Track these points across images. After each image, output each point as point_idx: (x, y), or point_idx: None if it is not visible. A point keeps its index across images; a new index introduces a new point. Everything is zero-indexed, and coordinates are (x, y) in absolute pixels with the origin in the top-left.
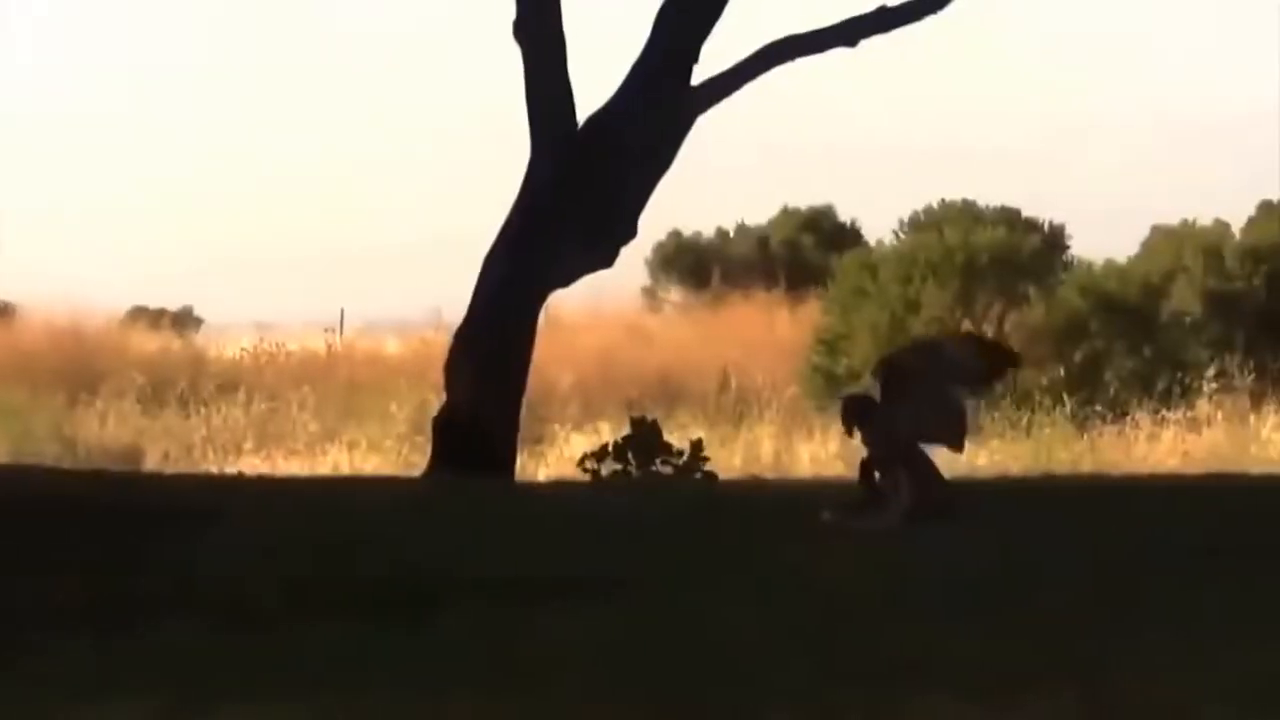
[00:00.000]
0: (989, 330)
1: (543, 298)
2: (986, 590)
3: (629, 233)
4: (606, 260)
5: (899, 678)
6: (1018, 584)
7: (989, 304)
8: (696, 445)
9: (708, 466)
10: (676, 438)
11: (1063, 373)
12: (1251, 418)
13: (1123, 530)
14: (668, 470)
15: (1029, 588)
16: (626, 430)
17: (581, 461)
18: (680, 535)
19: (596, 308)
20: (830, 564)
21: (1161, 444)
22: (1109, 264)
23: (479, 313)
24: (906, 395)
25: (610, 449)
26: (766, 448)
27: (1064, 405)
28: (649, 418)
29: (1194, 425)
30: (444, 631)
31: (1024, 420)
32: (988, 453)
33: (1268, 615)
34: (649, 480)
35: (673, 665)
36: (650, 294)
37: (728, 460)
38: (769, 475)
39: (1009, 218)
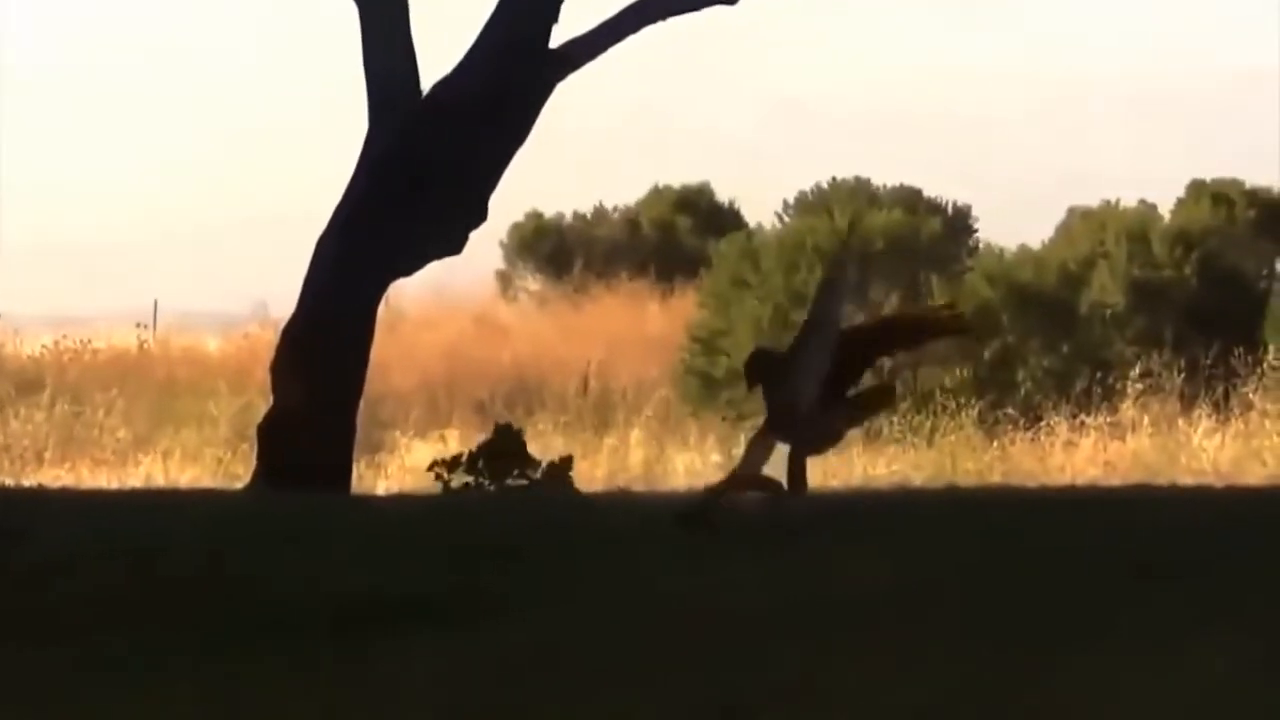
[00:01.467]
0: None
1: (383, 288)
2: (883, 611)
3: (480, 214)
4: (454, 246)
5: (784, 706)
6: (915, 605)
7: (885, 295)
8: (565, 461)
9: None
10: (534, 446)
11: (970, 372)
12: (1180, 422)
13: (1035, 547)
14: (523, 484)
15: (927, 609)
16: (481, 438)
17: (432, 466)
18: (540, 553)
19: (443, 299)
20: (707, 582)
21: (1081, 451)
22: (1022, 250)
23: (310, 305)
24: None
25: (465, 459)
26: (635, 456)
27: (971, 408)
28: (513, 426)
29: (1117, 431)
30: (272, 664)
31: (926, 425)
32: (885, 461)
33: (1192, 641)
34: (505, 494)
35: (535, 695)
36: (505, 283)
37: (590, 471)
38: (639, 488)
39: (907, 198)
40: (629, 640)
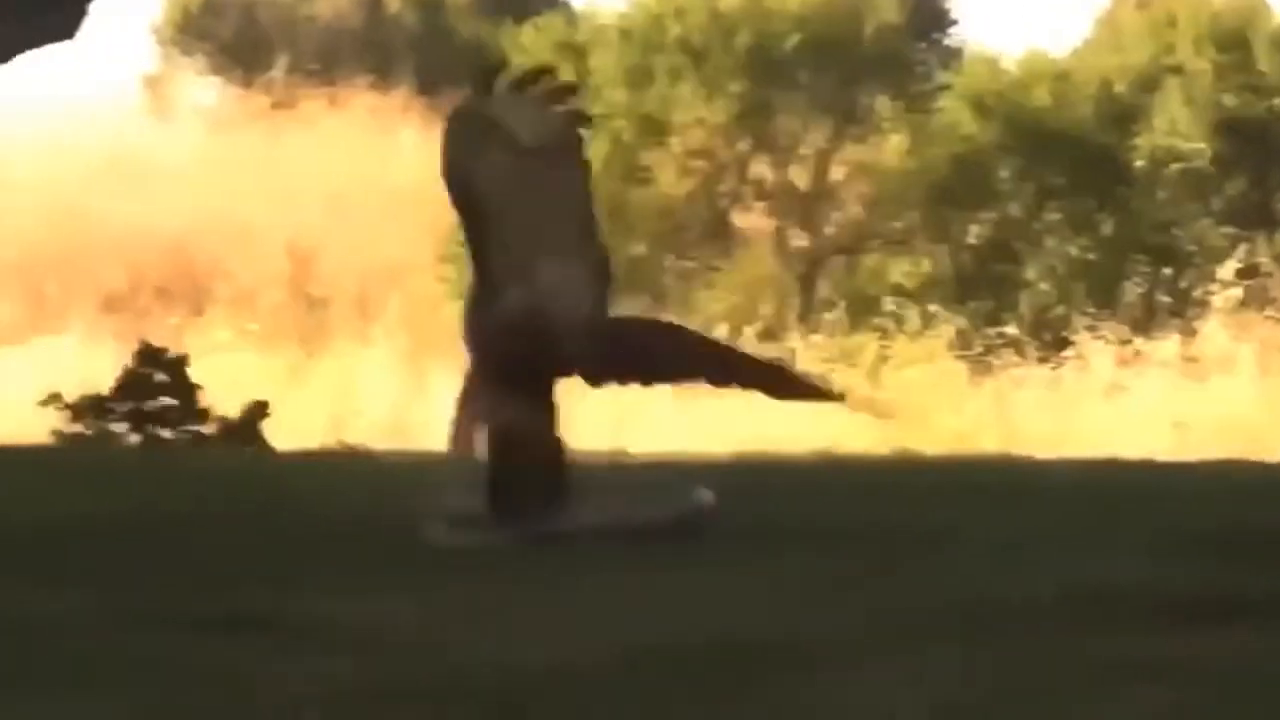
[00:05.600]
0: (803, 184)
1: None
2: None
3: None
4: (64, 26)
5: None
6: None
7: (802, 132)
8: (257, 407)
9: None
10: (204, 373)
11: (944, 262)
12: None
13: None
14: (186, 434)
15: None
16: (118, 358)
17: (47, 402)
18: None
19: (53, 124)
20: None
21: (1132, 401)
22: (1033, 59)
23: None
24: None
25: (107, 394)
26: (377, 392)
27: (945, 324)
28: (165, 350)
29: (1196, 369)
30: None
31: (867, 351)
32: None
33: None
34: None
35: None
36: (156, 94)
37: (297, 417)
38: (378, 443)
39: None
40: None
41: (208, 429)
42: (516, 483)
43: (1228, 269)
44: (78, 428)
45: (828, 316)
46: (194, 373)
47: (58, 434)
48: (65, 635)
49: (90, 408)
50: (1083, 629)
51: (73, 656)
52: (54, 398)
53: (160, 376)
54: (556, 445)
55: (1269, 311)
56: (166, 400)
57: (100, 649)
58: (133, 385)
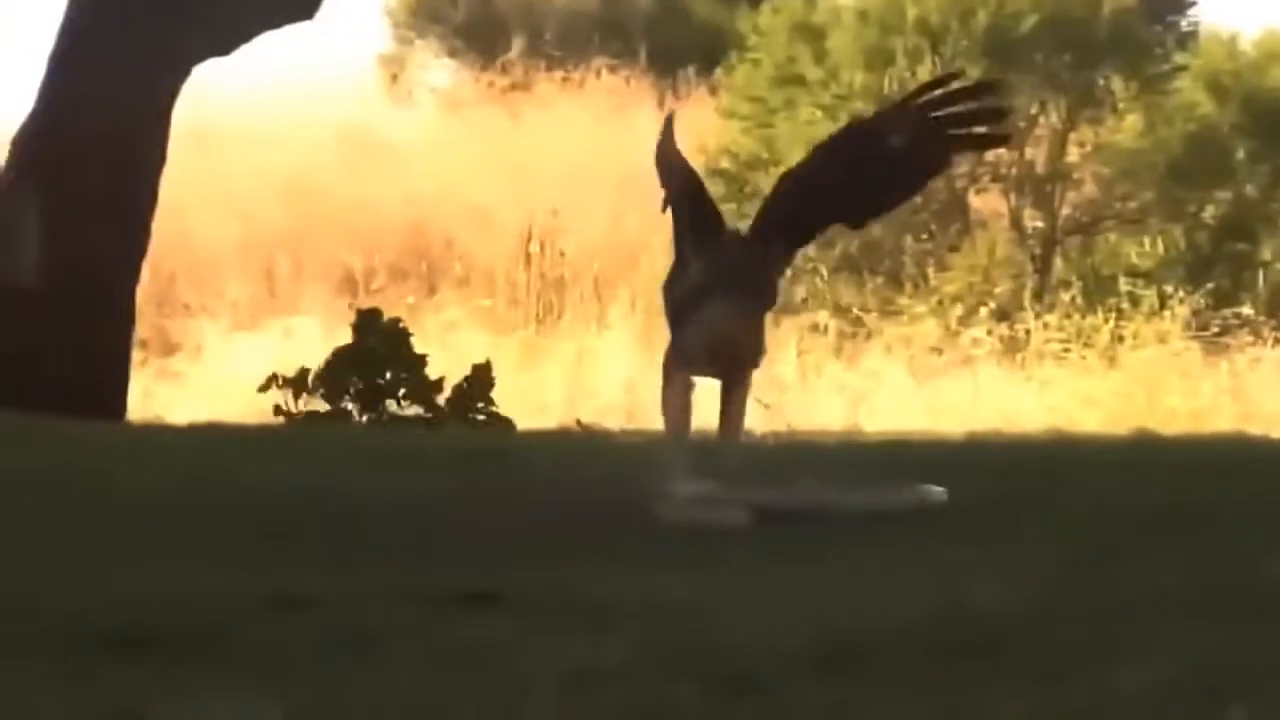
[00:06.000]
0: (1039, 165)
1: (179, 77)
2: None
3: None
4: (303, 6)
5: None
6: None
7: (1037, 110)
8: (482, 375)
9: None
10: (436, 348)
11: (1180, 244)
12: None
13: None
14: (414, 412)
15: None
16: (338, 331)
17: (268, 385)
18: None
19: (289, 102)
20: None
21: None
22: (1270, 36)
23: (48, 106)
24: None
25: (316, 373)
26: (612, 370)
27: (1180, 305)
28: (394, 320)
29: None
30: None
31: (1102, 332)
32: (1034, 388)
33: None
34: (387, 428)
35: None
36: (392, 74)
37: (532, 393)
38: (612, 423)
39: None
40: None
41: (434, 400)
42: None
43: None
44: (305, 405)
45: (1063, 297)
46: (429, 350)
47: (284, 413)
48: (337, 613)
49: (313, 383)
50: None
51: (345, 634)
52: (276, 381)
53: (383, 347)
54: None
55: None
56: (389, 373)
57: (369, 627)
58: (354, 358)
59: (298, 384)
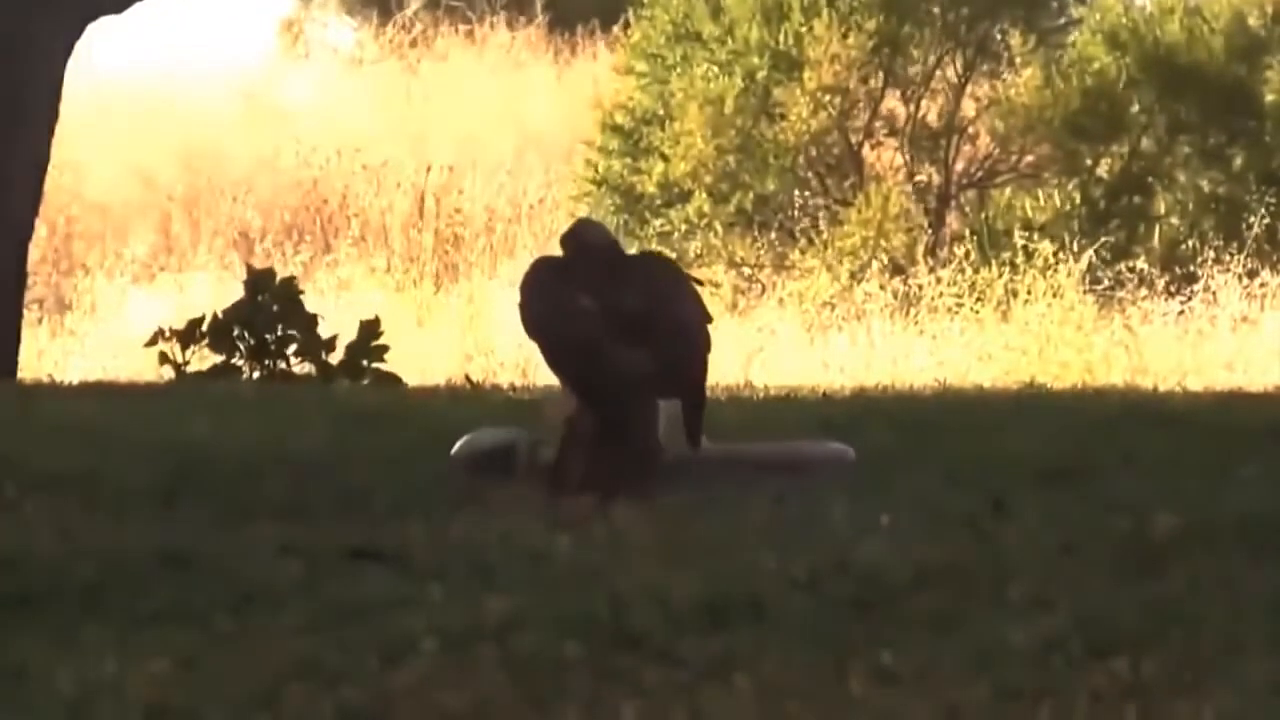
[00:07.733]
0: (934, 119)
1: (73, 34)
2: None
3: None
4: None
5: None
6: None
7: (931, 70)
8: (368, 328)
9: (384, 360)
10: (332, 305)
11: (1075, 196)
12: None
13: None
14: (305, 368)
15: None
16: (233, 290)
17: (155, 339)
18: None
19: (188, 64)
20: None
21: (1260, 335)
22: None
23: None
24: None
25: (207, 325)
26: (505, 326)
27: (1074, 258)
28: (286, 277)
29: None
30: None
31: (997, 286)
32: (925, 345)
33: None
34: (276, 385)
35: None
36: (291, 35)
37: (426, 350)
38: (506, 380)
39: None
40: None
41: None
42: None
43: None
44: (197, 362)
45: (957, 251)
46: (323, 308)
47: (175, 366)
48: (223, 569)
49: (201, 336)
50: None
51: (231, 590)
52: (159, 334)
53: (273, 301)
54: None
55: None
56: (280, 326)
57: (254, 582)
58: (247, 314)
59: (185, 336)
